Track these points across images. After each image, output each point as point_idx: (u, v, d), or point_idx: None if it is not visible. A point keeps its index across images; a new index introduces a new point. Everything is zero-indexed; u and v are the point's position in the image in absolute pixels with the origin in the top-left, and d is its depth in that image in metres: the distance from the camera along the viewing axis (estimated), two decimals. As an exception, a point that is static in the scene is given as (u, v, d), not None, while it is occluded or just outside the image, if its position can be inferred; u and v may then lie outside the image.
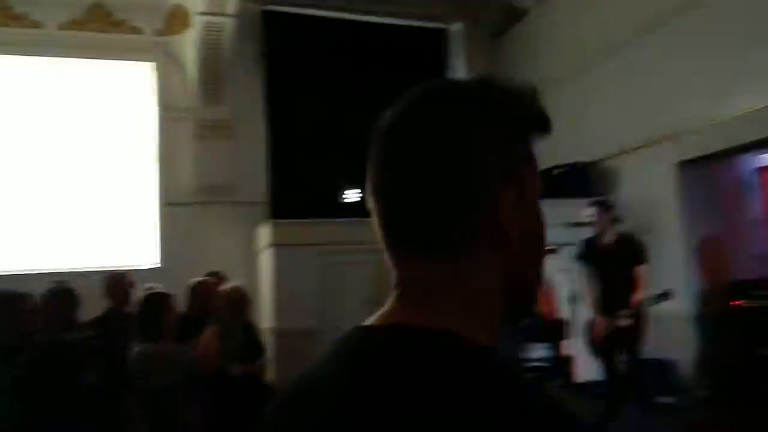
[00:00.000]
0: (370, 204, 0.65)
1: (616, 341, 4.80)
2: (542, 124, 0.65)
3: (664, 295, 4.82)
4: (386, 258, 0.65)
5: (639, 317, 4.75)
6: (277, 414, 0.65)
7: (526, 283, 0.65)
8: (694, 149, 6.08)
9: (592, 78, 7.33)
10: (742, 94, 5.45)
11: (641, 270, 4.83)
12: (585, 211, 5.14)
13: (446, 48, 9.10)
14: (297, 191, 7.94)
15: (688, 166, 6.23)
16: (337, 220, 7.30)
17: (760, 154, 6.27)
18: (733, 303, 5.75)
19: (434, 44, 9.06)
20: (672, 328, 5.77)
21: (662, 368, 5.89)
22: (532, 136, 0.64)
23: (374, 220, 0.65)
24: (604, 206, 5.08)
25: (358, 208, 8.00)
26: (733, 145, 5.77)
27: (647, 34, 6.52)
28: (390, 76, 8.30)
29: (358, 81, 8.30)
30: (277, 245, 6.92)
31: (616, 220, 5.05)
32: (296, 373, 0.68)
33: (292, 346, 6.01)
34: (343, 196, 8.22)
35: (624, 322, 4.72)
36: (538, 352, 5.92)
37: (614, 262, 4.87)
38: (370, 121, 0.67)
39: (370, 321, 0.63)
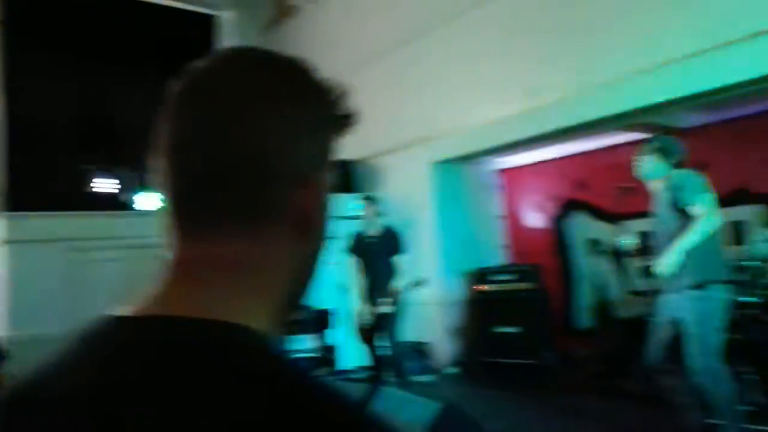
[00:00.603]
0: (160, 165, 0.57)
1: (378, 326, 5.06)
2: (348, 123, 0.64)
3: (419, 283, 5.22)
4: (168, 235, 0.57)
5: (398, 303, 5.07)
6: None
7: (311, 273, 0.62)
8: (445, 151, 6.68)
9: (358, 81, 7.63)
10: (487, 104, 6.13)
11: (401, 259, 5.16)
12: (354, 205, 5.34)
13: (214, 35, 8.76)
14: (38, 180, 6.99)
15: (441, 166, 6.83)
16: (86, 212, 6.60)
17: (501, 157, 7.12)
18: (477, 288, 6.47)
19: (201, 30, 8.67)
20: (425, 312, 6.29)
21: (418, 350, 6.38)
22: (336, 130, 0.63)
23: (163, 185, 0.57)
24: (371, 201, 5.32)
25: (110, 200, 7.38)
26: (478, 149, 6.47)
27: (406, 45, 7.02)
28: (150, 58, 7.75)
29: (114, 62, 7.58)
30: (13, 241, 6.04)
31: (380, 214, 5.32)
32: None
33: (32, 355, 5.27)
34: (93, 186, 7.42)
35: (385, 308, 5.00)
36: (304, 342, 6.01)
37: (378, 253, 5.14)
38: (126, 106, 0.57)
39: (129, 309, 0.53)
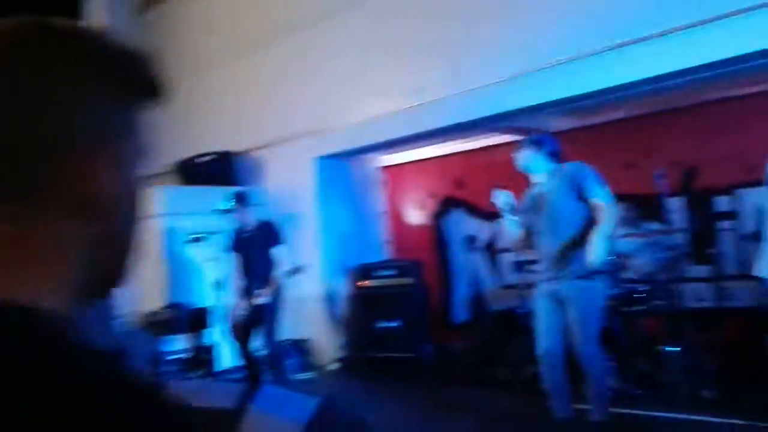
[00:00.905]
0: None
1: (254, 321, 4.93)
2: (152, 92, 0.59)
3: (297, 270, 5.15)
4: None
5: (276, 295, 4.96)
6: None
7: (117, 255, 0.59)
8: (330, 146, 6.65)
9: (239, 70, 7.42)
10: (371, 101, 6.16)
11: (278, 251, 5.06)
12: (226, 201, 5.16)
13: (81, 14, 8.15)
14: None
15: (324, 161, 6.79)
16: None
17: (383, 154, 7.19)
18: (359, 284, 6.49)
19: (67, 8, 8.02)
20: (306, 309, 6.23)
21: (298, 347, 6.30)
22: (140, 102, 0.59)
23: None
24: (242, 196, 5.17)
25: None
26: (362, 145, 6.49)
27: (292, 34, 6.89)
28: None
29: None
30: None
31: (254, 208, 5.19)
32: None
33: None
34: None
35: (262, 300, 4.88)
36: (178, 343, 5.74)
37: (256, 247, 5.01)
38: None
39: None
